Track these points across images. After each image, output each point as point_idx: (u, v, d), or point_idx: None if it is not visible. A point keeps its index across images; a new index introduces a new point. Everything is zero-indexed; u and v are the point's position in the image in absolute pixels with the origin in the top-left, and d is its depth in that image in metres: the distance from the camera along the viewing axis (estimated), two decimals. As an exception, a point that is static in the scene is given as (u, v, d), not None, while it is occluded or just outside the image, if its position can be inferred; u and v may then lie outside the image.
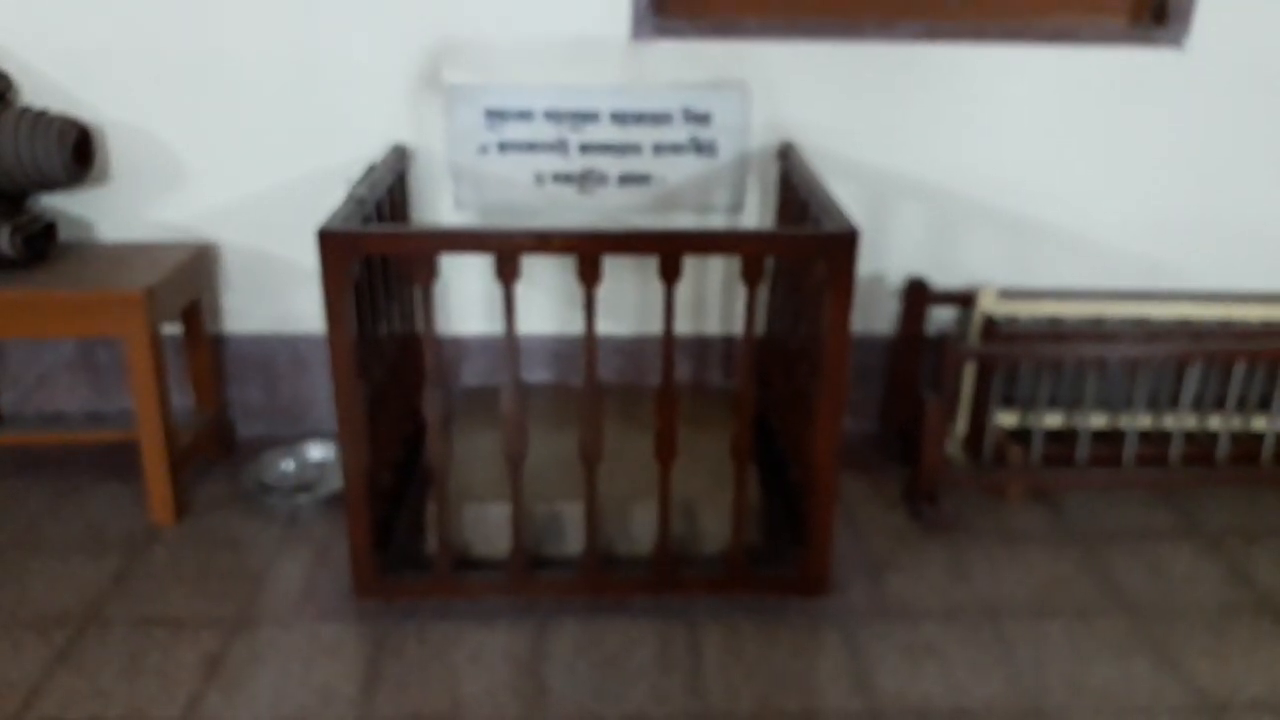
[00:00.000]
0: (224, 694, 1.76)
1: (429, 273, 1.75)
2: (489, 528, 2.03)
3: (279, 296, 2.52)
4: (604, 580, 1.99)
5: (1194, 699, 1.76)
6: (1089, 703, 1.75)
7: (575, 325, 2.54)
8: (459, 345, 2.56)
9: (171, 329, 2.39)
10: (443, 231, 1.96)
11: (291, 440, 2.54)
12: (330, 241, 1.70)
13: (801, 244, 1.84)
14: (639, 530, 2.04)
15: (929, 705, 1.74)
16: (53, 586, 2.05)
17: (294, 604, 1.99)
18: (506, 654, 1.85)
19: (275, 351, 2.57)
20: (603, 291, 1.78)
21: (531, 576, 1.98)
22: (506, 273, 1.74)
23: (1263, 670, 1.84)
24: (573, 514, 2.03)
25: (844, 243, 1.73)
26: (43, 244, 2.26)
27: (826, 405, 1.84)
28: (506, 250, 1.72)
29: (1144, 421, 2.40)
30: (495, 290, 2.46)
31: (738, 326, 2.58)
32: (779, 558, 2.05)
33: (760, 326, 2.47)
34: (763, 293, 2.33)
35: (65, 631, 1.91)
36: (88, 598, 2.01)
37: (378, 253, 1.96)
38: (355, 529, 1.92)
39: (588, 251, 1.72)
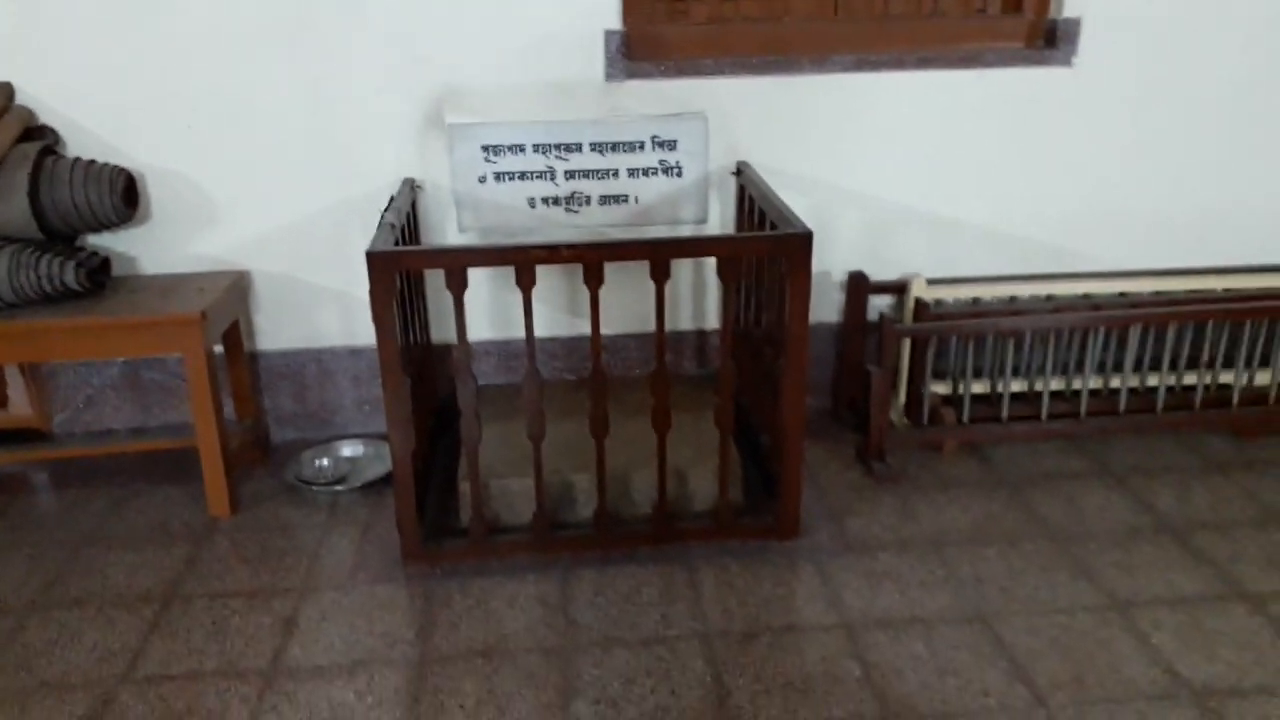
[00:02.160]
0: (302, 646, 2.09)
1: (460, 283, 2.11)
2: (513, 499, 2.39)
3: (305, 316, 2.86)
4: (613, 536, 2.35)
5: (1105, 600, 2.17)
6: (1020, 608, 2.15)
7: (568, 329, 2.92)
8: (472, 377, 2.91)
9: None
10: (470, 249, 2.31)
11: (322, 441, 2.88)
12: (377, 261, 2.06)
13: (767, 244, 2.24)
14: (639, 494, 2.42)
15: (889, 617, 2.13)
16: (132, 573, 2.36)
17: (349, 573, 2.33)
18: (537, 599, 2.21)
19: (303, 364, 2.90)
20: (573, 290, 2.15)
21: (552, 536, 2.34)
22: (525, 281, 2.11)
23: (1161, 575, 2.25)
24: (583, 483, 2.40)
25: (801, 242, 2.13)
26: (101, 277, 2.58)
27: (791, 379, 2.23)
28: (524, 261, 2.09)
29: (1056, 383, 2.83)
30: (496, 299, 2.84)
31: (707, 322, 2.97)
32: (757, 509, 2.44)
33: (696, 318, 2.86)
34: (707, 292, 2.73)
35: (152, 607, 2.23)
36: (166, 579, 2.33)
37: (416, 269, 2.32)
38: (402, 504, 2.27)
39: (592, 259, 2.10)
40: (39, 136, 2.57)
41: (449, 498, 2.48)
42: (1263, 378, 2.87)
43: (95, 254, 2.59)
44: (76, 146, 2.63)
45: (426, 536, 2.34)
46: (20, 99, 2.59)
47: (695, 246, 2.31)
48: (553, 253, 2.09)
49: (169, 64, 2.59)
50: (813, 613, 2.14)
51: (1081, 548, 2.36)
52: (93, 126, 2.64)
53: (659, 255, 2.11)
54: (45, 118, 2.61)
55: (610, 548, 2.36)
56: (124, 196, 2.58)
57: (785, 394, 2.24)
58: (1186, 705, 1.85)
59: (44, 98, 2.59)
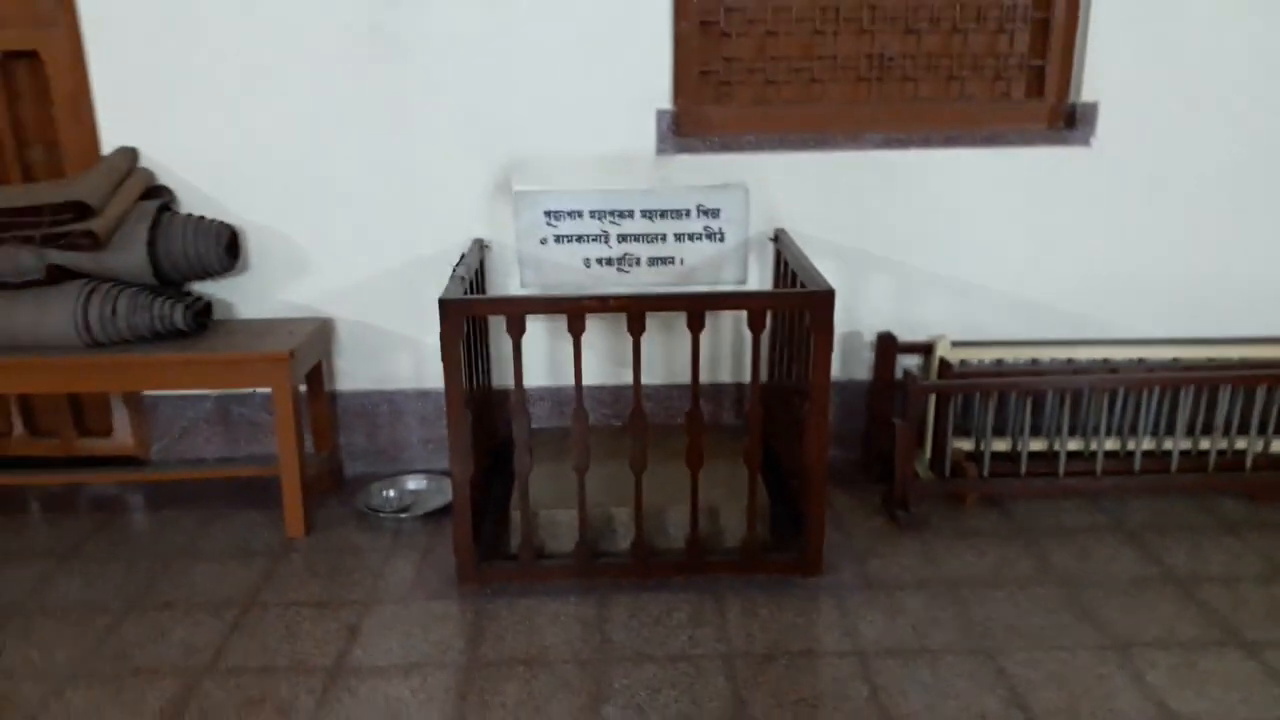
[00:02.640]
0: (364, 649, 2.33)
1: (519, 329, 2.38)
2: (559, 529, 2.62)
3: (380, 361, 3.16)
4: (648, 565, 2.56)
5: (1106, 640, 2.31)
6: (1023, 644, 2.30)
7: (615, 378, 3.17)
8: (527, 414, 3.17)
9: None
10: (529, 298, 2.59)
11: (390, 475, 3.15)
12: (449, 307, 2.34)
13: (793, 300, 2.48)
14: (674, 528, 2.63)
15: (900, 647, 2.30)
16: (216, 582, 2.63)
17: (408, 589, 2.57)
18: (576, 618, 2.42)
19: (376, 405, 3.19)
20: (618, 344, 2.40)
21: (593, 564, 2.56)
22: (576, 328, 2.37)
23: (1162, 621, 2.38)
24: (622, 516, 2.62)
25: (824, 299, 2.36)
26: (204, 319, 2.91)
27: (814, 424, 2.44)
28: (576, 310, 2.35)
29: (1074, 444, 2.99)
30: (552, 350, 3.10)
31: (745, 377, 3.19)
32: (783, 546, 2.63)
33: (764, 375, 3.09)
34: (765, 348, 2.97)
35: (233, 612, 2.49)
36: (245, 589, 2.59)
37: (481, 314, 2.60)
38: (459, 528, 2.51)
39: (635, 309, 2.35)
40: (157, 195, 2.94)
41: (502, 526, 2.72)
42: (1278, 444, 3.00)
43: (200, 298, 2.92)
44: (188, 204, 2.99)
45: (480, 559, 2.57)
46: (142, 162, 2.96)
47: (726, 301, 2.55)
48: (602, 303, 2.36)
49: (271, 133, 2.95)
50: (829, 640, 2.32)
51: (1089, 594, 2.50)
52: (203, 186, 3.00)
53: (694, 307, 2.35)
54: (163, 178, 2.97)
55: (645, 576, 2.57)
56: (227, 249, 2.92)
57: (809, 438, 2.46)
58: None
59: (162, 161, 2.97)
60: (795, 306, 2.53)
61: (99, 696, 2.16)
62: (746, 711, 2.07)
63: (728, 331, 3.17)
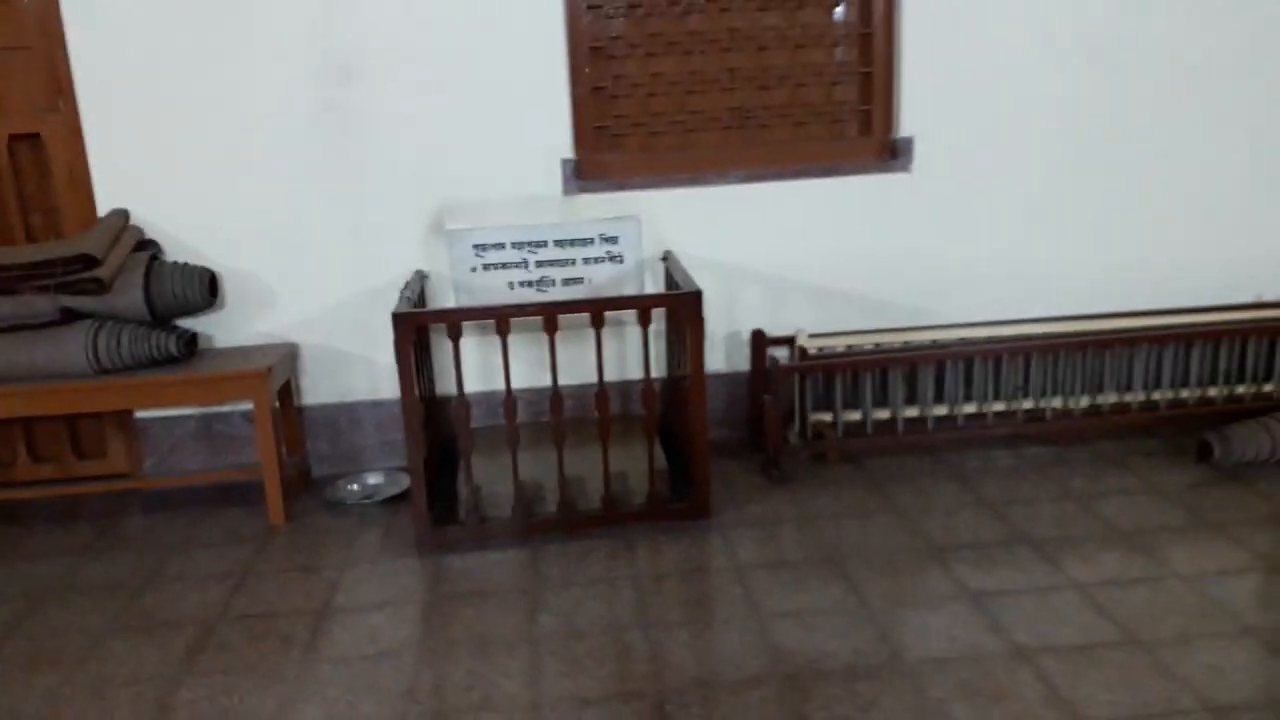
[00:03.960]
0: (347, 595, 2.90)
1: (457, 333, 3.01)
2: (497, 499, 3.24)
3: (340, 377, 3.75)
4: (571, 521, 3.19)
5: (928, 547, 2.99)
6: (859, 553, 2.96)
7: (539, 381, 3.79)
8: (467, 404, 3.79)
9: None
10: (465, 309, 3.21)
11: (352, 473, 3.74)
12: (400, 320, 2.97)
13: (669, 300, 3.16)
14: (591, 492, 3.26)
15: (768, 562, 2.94)
16: (216, 560, 3.18)
17: (376, 554, 3.16)
18: (515, 562, 3.03)
19: (337, 415, 3.79)
20: (558, 354, 3.05)
21: (526, 522, 3.18)
22: (503, 330, 3.02)
23: (972, 532, 3.07)
24: (550, 484, 3.25)
25: (693, 298, 3.05)
26: (192, 347, 3.49)
27: (695, 397, 3.11)
28: (501, 316, 3.00)
29: (912, 411, 3.70)
30: (485, 362, 3.72)
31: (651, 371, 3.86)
32: (678, 498, 3.28)
33: (662, 371, 3.75)
34: (663, 350, 3.64)
35: (234, 579, 3.04)
36: (241, 562, 3.15)
37: (424, 324, 3.23)
38: (417, 499, 3.11)
39: (548, 314, 3.01)
40: (147, 247, 3.52)
41: (450, 501, 3.33)
42: (1074, 401, 3.74)
43: (187, 331, 3.50)
44: (173, 253, 3.57)
45: (433, 524, 3.17)
46: (133, 220, 3.54)
47: (618, 303, 3.21)
48: (521, 309, 3.01)
49: (242, 191, 3.56)
50: (714, 561, 2.97)
51: (919, 518, 3.19)
52: (185, 238, 3.59)
53: (595, 309, 3.02)
54: (150, 233, 3.56)
55: (570, 529, 3.20)
56: (208, 289, 3.51)
57: (691, 409, 3.12)
58: (964, 602, 2.66)
59: (150, 219, 3.55)
60: (672, 305, 3.22)
61: (134, 643, 2.71)
62: (649, 611, 2.70)
63: (633, 338, 3.84)
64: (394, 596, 2.88)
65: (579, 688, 2.37)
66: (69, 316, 3.31)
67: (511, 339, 3.15)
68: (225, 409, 3.74)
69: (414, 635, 2.66)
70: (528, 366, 3.70)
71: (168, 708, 2.39)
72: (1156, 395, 3.75)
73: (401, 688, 2.41)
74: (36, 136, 3.54)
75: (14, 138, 3.53)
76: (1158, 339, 3.69)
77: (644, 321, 3.06)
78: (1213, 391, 3.76)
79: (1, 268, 3.29)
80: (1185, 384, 3.76)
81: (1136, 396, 3.75)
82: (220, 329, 3.67)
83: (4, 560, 3.26)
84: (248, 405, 3.57)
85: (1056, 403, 3.73)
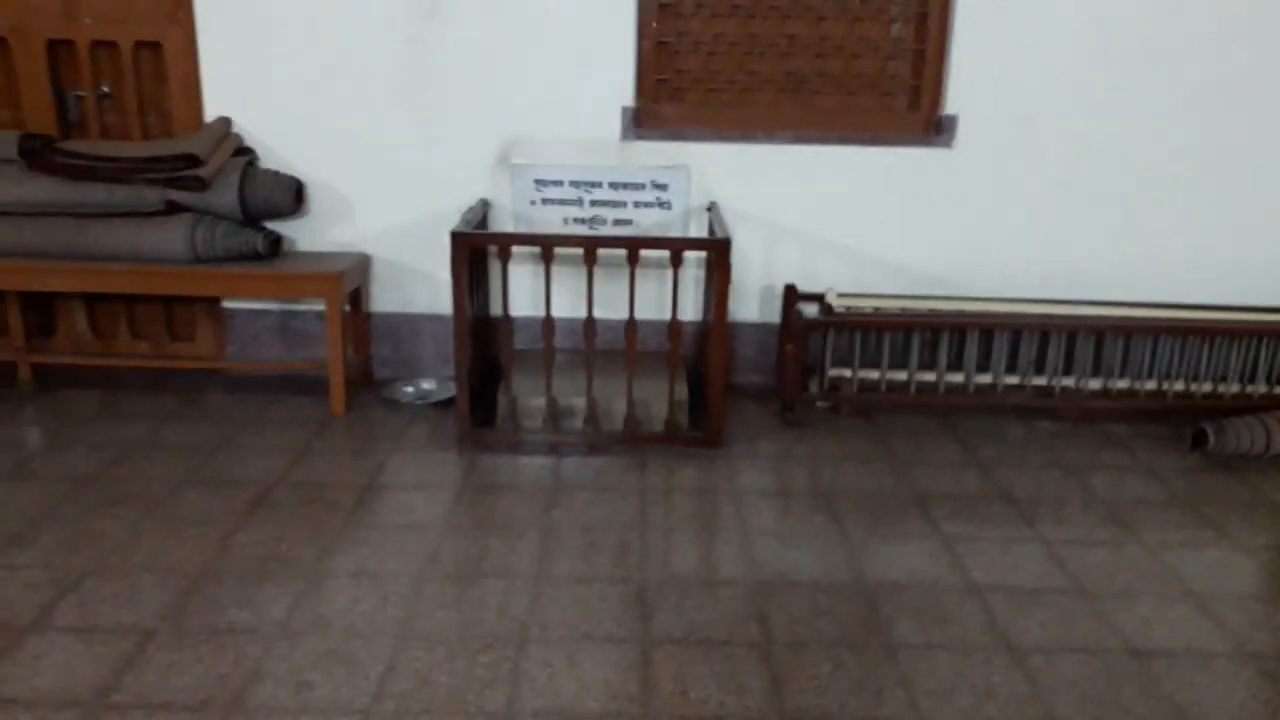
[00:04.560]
0: (389, 476, 3.28)
1: (506, 255, 3.34)
2: (532, 412, 3.58)
3: (404, 290, 4.12)
4: (595, 439, 3.52)
5: (911, 490, 3.24)
6: (851, 492, 3.23)
7: (581, 312, 4.12)
8: (511, 321, 4.13)
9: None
10: (514, 234, 3.53)
11: (408, 377, 4.12)
12: (458, 238, 3.30)
13: (701, 244, 3.44)
14: (617, 413, 3.59)
15: (764, 489, 3.24)
16: (281, 437, 3.59)
17: (421, 445, 3.53)
18: (540, 467, 3.38)
19: (399, 324, 4.16)
20: (598, 290, 3.35)
21: (555, 434, 3.52)
22: (548, 257, 3.34)
23: (958, 485, 3.31)
24: (579, 405, 3.58)
25: (722, 245, 3.32)
26: (276, 248, 3.88)
27: (715, 336, 3.40)
28: (547, 244, 3.32)
29: (927, 375, 3.93)
30: (534, 288, 4.05)
31: (684, 314, 4.14)
32: (695, 427, 3.58)
33: (696, 315, 4.04)
34: (698, 297, 3.93)
35: (294, 453, 3.45)
36: (303, 441, 3.55)
37: (479, 245, 3.56)
38: (461, 401, 3.47)
39: (589, 246, 3.32)
40: (245, 153, 3.91)
41: (490, 408, 3.68)
42: (1069, 381, 3.92)
43: (274, 232, 3.89)
44: (267, 160, 3.96)
45: (473, 426, 3.53)
46: (234, 128, 3.93)
47: (653, 242, 3.49)
48: (564, 239, 3.32)
49: (331, 110, 3.92)
50: (715, 484, 3.28)
51: (913, 470, 3.44)
52: (278, 148, 3.97)
53: (631, 245, 3.32)
54: (249, 141, 3.95)
55: (593, 445, 3.53)
56: (295, 197, 3.89)
57: (711, 346, 3.42)
58: (934, 542, 2.92)
59: (250, 128, 3.94)
60: (702, 249, 3.50)
61: (204, 494, 3.13)
62: (649, 518, 3.03)
63: (669, 279, 4.12)
64: (430, 481, 3.25)
65: (575, 569, 2.71)
66: (172, 208, 3.72)
67: (557, 271, 3.47)
68: (301, 307, 4.14)
69: (443, 514, 3.03)
70: (572, 297, 4.01)
71: (228, 546, 2.80)
72: (1166, 386, 3.91)
73: (425, 553, 2.78)
74: (157, 45, 3.94)
75: (138, 44, 3.94)
76: (1175, 330, 3.84)
77: (675, 262, 3.35)
78: (1222, 388, 3.91)
79: (117, 160, 3.71)
80: (1196, 378, 3.92)
81: (1146, 384, 3.91)
82: (302, 234, 4.06)
83: (102, 417, 3.72)
84: (321, 306, 3.96)
85: (1069, 381, 3.92)
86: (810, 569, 2.76)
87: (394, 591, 2.59)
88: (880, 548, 2.89)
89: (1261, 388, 3.90)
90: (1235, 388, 3.91)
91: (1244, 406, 3.82)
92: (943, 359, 3.89)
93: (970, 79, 3.90)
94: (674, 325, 3.42)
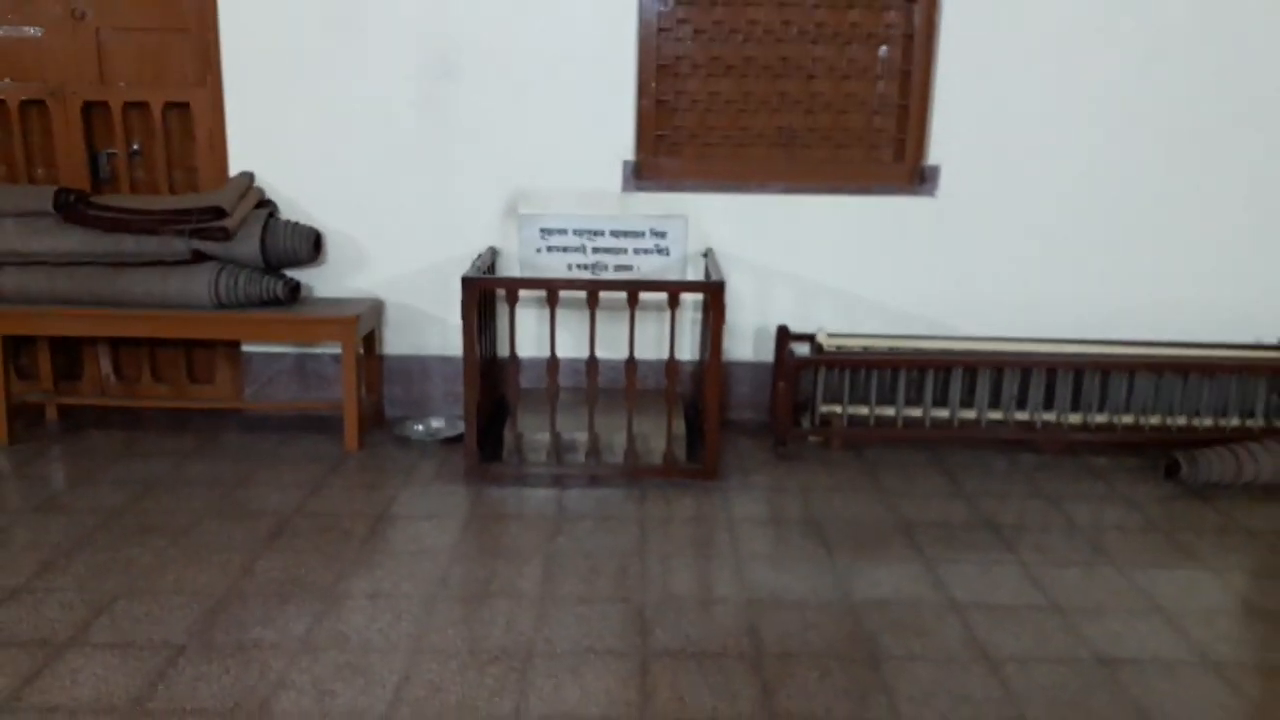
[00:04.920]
0: (401, 507, 3.46)
1: (514, 299, 3.55)
2: (537, 446, 3.77)
3: (415, 333, 4.34)
4: (597, 471, 3.70)
5: (899, 522, 3.41)
6: (838, 519, 3.40)
7: (584, 352, 4.32)
8: (518, 361, 4.33)
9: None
10: (522, 278, 3.75)
11: (418, 415, 4.31)
12: (468, 283, 3.52)
13: (696, 287, 3.65)
14: (617, 448, 3.77)
15: (758, 518, 3.41)
16: (297, 472, 3.77)
17: (430, 479, 3.71)
18: (544, 498, 3.55)
19: (411, 366, 4.37)
20: (600, 331, 3.56)
21: (559, 467, 3.70)
22: (552, 301, 3.55)
23: (943, 513, 3.48)
24: (581, 440, 3.77)
25: (717, 287, 3.53)
26: (295, 294, 4.10)
27: (711, 374, 3.59)
28: (553, 287, 3.53)
29: (914, 411, 4.11)
30: (539, 332, 4.26)
31: (683, 354, 4.34)
32: (692, 460, 3.76)
33: (693, 355, 4.24)
34: (695, 334, 4.14)
35: (309, 487, 3.63)
36: (318, 476, 3.74)
37: (490, 289, 3.78)
38: (469, 437, 3.66)
39: (591, 288, 3.53)
40: (266, 205, 4.14)
41: (497, 443, 3.87)
42: (1050, 416, 4.11)
43: (293, 279, 4.11)
44: (287, 212, 4.20)
45: (481, 461, 3.72)
46: (257, 182, 4.17)
47: (652, 285, 3.70)
48: (569, 282, 3.54)
49: (349, 164, 4.16)
50: (710, 513, 3.45)
51: (899, 500, 3.61)
52: (298, 200, 4.21)
53: (631, 288, 3.53)
54: (270, 194, 4.19)
55: (595, 478, 3.71)
56: (313, 246, 4.12)
57: (708, 384, 3.61)
58: (917, 565, 3.08)
59: (271, 182, 4.18)
60: (698, 291, 3.71)
61: (225, 524, 3.30)
62: (649, 544, 3.20)
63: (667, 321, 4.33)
64: (440, 512, 3.43)
65: (579, 591, 2.88)
66: (198, 257, 3.95)
67: (561, 314, 3.69)
68: (318, 350, 4.35)
69: (452, 541, 3.20)
70: (574, 339, 4.22)
71: (250, 571, 2.97)
72: (1143, 420, 4.09)
73: (436, 576, 2.95)
74: (186, 105, 4.20)
75: (168, 105, 4.20)
76: (1150, 367, 4.03)
77: (672, 304, 3.56)
78: (1196, 422, 4.08)
79: (148, 213, 3.94)
80: (1171, 412, 4.09)
81: (1124, 419, 4.09)
82: (320, 281, 4.29)
83: (127, 455, 3.91)
84: (336, 349, 4.17)
85: (1049, 416, 4.10)
86: (798, 589, 2.92)
87: (407, 610, 2.76)
88: (866, 570, 3.06)
89: (1234, 420, 4.08)
90: (1209, 421, 4.08)
91: (1217, 439, 3.99)
92: (929, 395, 4.08)
93: (951, 132, 4.14)
94: (671, 363, 3.62)
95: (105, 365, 4.47)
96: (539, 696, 2.37)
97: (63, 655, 2.51)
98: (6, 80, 4.19)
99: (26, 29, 4.19)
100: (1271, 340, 4.28)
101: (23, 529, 3.23)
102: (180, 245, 3.92)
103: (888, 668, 2.52)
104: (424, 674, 2.46)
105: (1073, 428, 4.09)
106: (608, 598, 2.84)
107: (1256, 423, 4.07)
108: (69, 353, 4.44)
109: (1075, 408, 4.10)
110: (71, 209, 3.95)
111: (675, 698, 2.38)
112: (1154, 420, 4.10)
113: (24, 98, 4.19)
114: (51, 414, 4.32)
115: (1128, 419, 4.10)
